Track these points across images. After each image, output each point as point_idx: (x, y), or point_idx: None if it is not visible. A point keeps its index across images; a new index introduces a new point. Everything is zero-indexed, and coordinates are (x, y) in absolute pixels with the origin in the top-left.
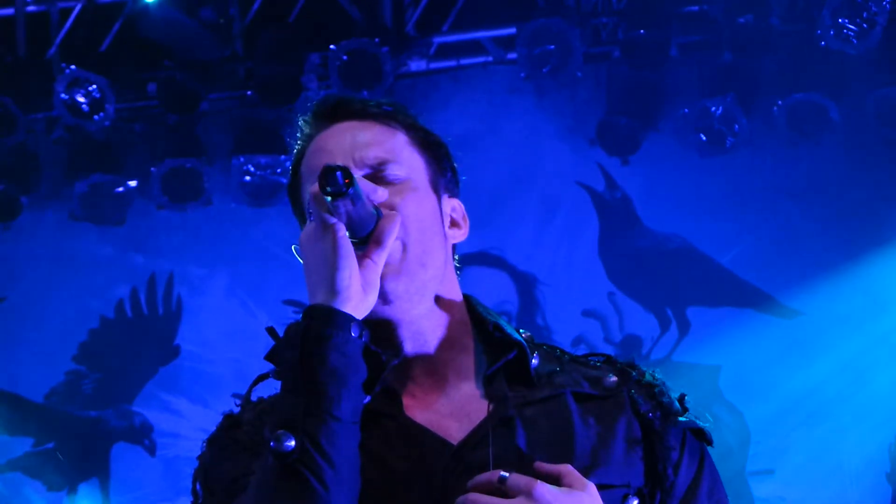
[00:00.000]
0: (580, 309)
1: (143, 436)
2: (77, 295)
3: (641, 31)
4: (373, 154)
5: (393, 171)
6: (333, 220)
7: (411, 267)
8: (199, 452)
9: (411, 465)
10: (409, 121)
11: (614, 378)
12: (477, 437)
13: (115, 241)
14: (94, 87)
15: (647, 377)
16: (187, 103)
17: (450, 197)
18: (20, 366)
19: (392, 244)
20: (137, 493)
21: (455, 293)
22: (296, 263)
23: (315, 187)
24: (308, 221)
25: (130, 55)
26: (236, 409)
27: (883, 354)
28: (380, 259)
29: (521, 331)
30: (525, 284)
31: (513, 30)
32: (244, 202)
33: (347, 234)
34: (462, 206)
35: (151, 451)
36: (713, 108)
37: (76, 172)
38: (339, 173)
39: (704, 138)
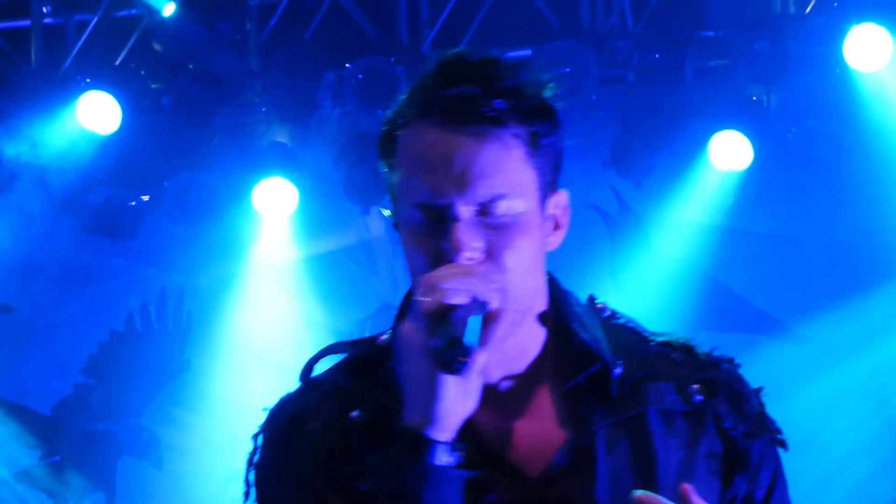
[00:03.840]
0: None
1: (150, 450)
2: (87, 307)
3: (657, 55)
4: (484, 189)
5: (504, 209)
6: (434, 341)
7: (508, 318)
8: (255, 435)
9: (486, 499)
10: (525, 114)
11: (698, 388)
12: (555, 469)
13: (127, 254)
14: (109, 99)
15: (731, 381)
16: (202, 118)
17: (553, 192)
18: (29, 377)
19: (495, 341)
20: None
21: (543, 302)
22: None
23: (432, 344)
24: (411, 319)
25: (146, 69)
26: (295, 394)
27: (893, 382)
28: (481, 360)
29: (596, 304)
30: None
31: (528, 51)
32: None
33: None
34: (565, 195)
35: (158, 465)
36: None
37: (90, 185)
38: (456, 354)
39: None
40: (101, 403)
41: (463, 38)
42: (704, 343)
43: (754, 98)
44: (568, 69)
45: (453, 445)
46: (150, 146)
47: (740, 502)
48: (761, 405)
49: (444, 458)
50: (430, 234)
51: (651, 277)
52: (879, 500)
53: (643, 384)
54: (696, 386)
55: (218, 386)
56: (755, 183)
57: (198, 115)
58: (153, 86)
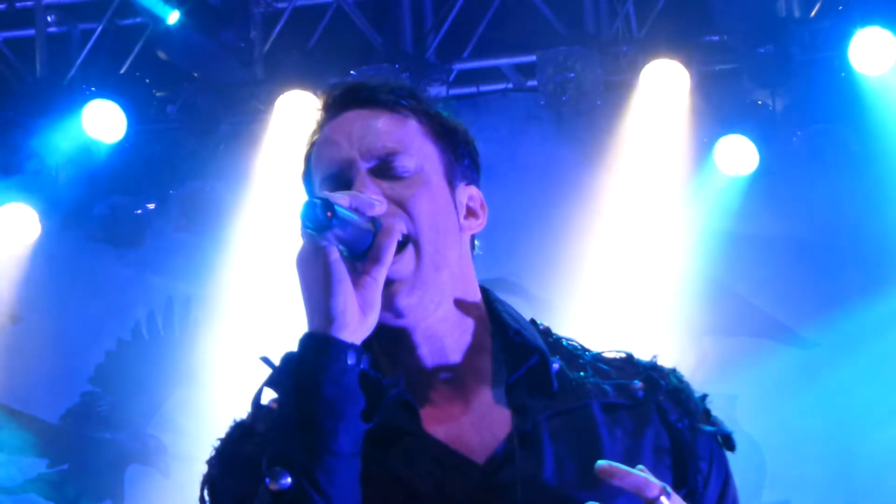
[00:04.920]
0: (597, 336)
1: (157, 458)
2: (94, 316)
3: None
4: (381, 144)
5: (402, 163)
6: (324, 242)
7: (426, 274)
8: (209, 459)
9: (434, 487)
10: (423, 106)
11: (640, 384)
12: (502, 455)
13: (134, 262)
14: (114, 108)
15: (673, 381)
16: (207, 126)
17: (466, 185)
18: (36, 386)
19: (390, 259)
20: None
21: (472, 290)
22: None
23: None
24: (303, 241)
25: (151, 77)
26: (246, 417)
27: None
28: (379, 275)
29: (539, 324)
30: (543, 311)
31: (533, 57)
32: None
33: (343, 253)
34: (480, 193)
35: (165, 473)
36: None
37: (95, 194)
38: (318, 208)
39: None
40: (109, 412)
41: (467, 44)
42: (710, 345)
43: (760, 102)
44: (572, 74)
45: (357, 350)
46: (155, 155)
47: (692, 497)
48: (706, 406)
49: (348, 359)
50: None
51: (656, 281)
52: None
53: (585, 381)
54: (637, 383)
55: (225, 394)
56: (761, 187)
57: (203, 124)
58: (158, 94)
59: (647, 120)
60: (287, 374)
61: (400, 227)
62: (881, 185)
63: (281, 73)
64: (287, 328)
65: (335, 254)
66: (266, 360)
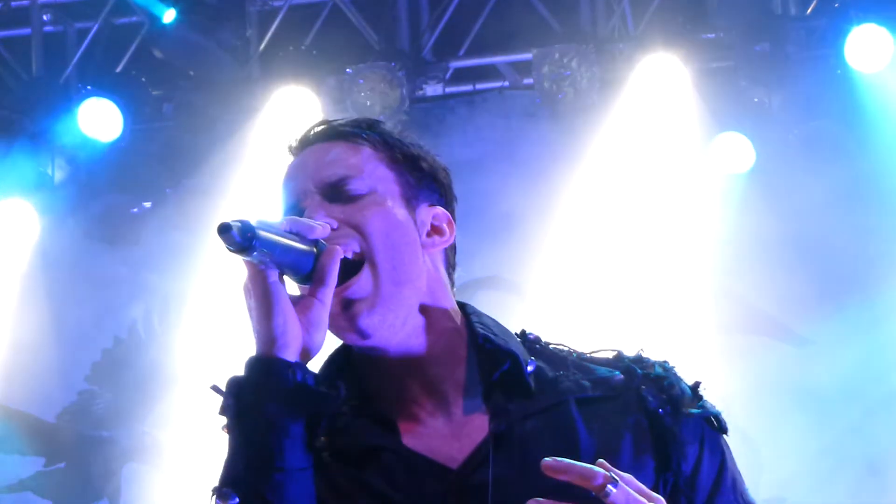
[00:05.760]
0: (594, 333)
1: (154, 456)
2: (91, 314)
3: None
4: (332, 171)
5: (353, 186)
6: (263, 266)
7: (385, 291)
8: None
9: (408, 495)
10: (377, 136)
11: (620, 376)
12: (477, 458)
13: (130, 260)
14: (110, 107)
15: (656, 369)
16: (203, 124)
17: (430, 206)
18: (33, 385)
19: (334, 279)
20: None
21: (445, 301)
22: None
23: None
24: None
25: (147, 76)
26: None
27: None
28: (324, 296)
29: (527, 333)
30: (539, 309)
31: (529, 55)
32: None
33: (285, 276)
34: (447, 212)
35: (162, 471)
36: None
37: (92, 192)
38: (232, 232)
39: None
40: (105, 410)
41: (463, 42)
42: (708, 343)
43: (756, 100)
44: (568, 72)
45: (301, 367)
46: (151, 153)
47: (685, 486)
48: (696, 393)
49: (290, 376)
50: None
51: (653, 279)
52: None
53: (562, 378)
54: (618, 374)
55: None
56: (757, 184)
57: (199, 122)
58: (154, 93)
59: (643, 118)
60: (231, 397)
61: (350, 247)
62: (877, 181)
63: (277, 71)
64: None
65: (273, 276)
66: (216, 389)
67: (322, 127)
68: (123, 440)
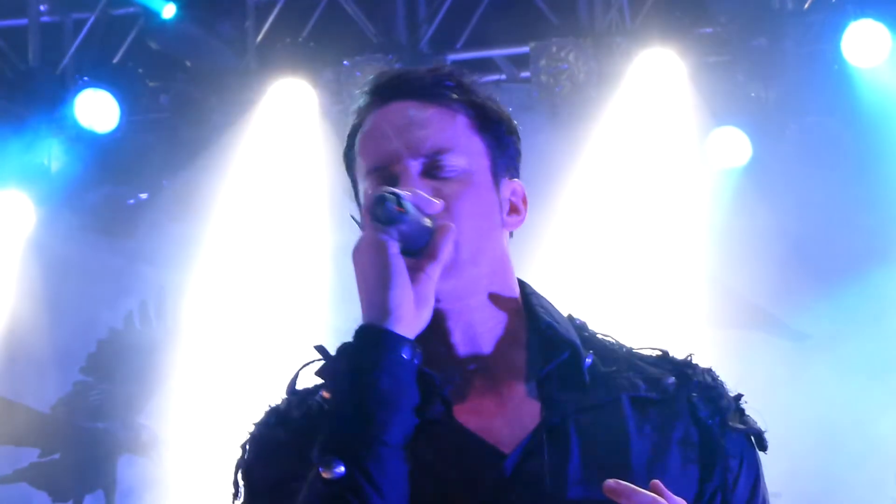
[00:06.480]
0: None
1: (149, 448)
2: (87, 305)
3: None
4: (430, 143)
5: (451, 162)
6: (385, 236)
7: (462, 267)
8: (243, 443)
9: (461, 475)
10: (471, 97)
11: (673, 380)
12: (530, 446)
13: (126, 252)
14: (107, 98)
15: (707, 378)
16: (200, 116)
17: (510, 179)
18: (28, 375)
19: (446, 257)
20: None
21: (510, 285)
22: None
23: (367, 200)
24: (361, 232)
25: (144, 67)
26: (281, 404)
27: (891, 379)
28: (434, 273)
29: (574, 318)
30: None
31: (526, 48)
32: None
33: (400, 248)
34: (522, 186)
35: (158, 462)
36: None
37: (88, 183)
38: (388, 203)
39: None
40: (101, 401)
41: (460, 35)
42: (702, 338)
43: (753, 94)
44: (566, 66)
45: (412, 344)
46: (148, 144)
47: (722, 495)
48: (739, 406)
49: (403, 353)
50: None
51: (648, 273)
52: (880, 501)
53: (616, 374)
54: (671, 379)
55: (217, 384)
56: (753, 179)
57: (196, 114)
58: (151, 84)
59: (640, 112)
60: (343, 365)
61: (454, 226)
62: (874, 177)
63: (274, 63)
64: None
65: (395, 248)
66: (321, 350)
67: (414, 81)
68: (119, 432)
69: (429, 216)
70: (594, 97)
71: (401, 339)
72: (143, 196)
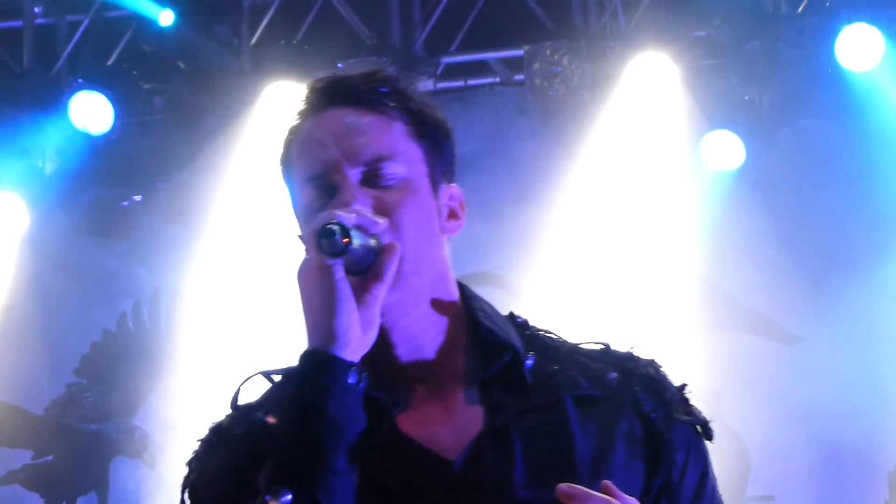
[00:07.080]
0: (583, 329)
1: (142, 450)
2: (80, 307)
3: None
4: (369, 151)
5: (391, 171)
6: (331, 261)
7: (406, 279)
8: (188, 461)
9: (407, 485)
10: (408, 104)
11: (615, 375)
12: (474, 452)
13: (120, 254)
14: (101, 100)
15: (650, 371)
16: (194, 118)
17: (448, 184)
18: (21, 377)
19: (392, 277)
20: None
21: (451, 291)
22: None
23: (313, 228)
24: (307, 255)
25: (138, 69)
26: (224, 420)
27: (884, 381)
28: (380, 293)
29: (516, 317)
30: (528, 304)
31: (520, 51)
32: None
33: (345, 268)
34: (460, 191)
35: (151, 465)
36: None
37: (82, 185)
38: (336, 237)
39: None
40: (94, 403)
41: (454, 38)
42: (695, 340)
43: (746, 98)
44: (560, 69)
45: (358, 369)
46: (142, 146)
47: (671, 493)
48: (684, 396)
49: (350, 379)
50: (321, 207)
51: (642, 276)
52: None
53: (559, 374)
54: (613, 374)
55: (210, 386)
56: (747, 182)
57: (190, 116)
58: (145, 86)
59: (633, 115)
60: (289, 392)
61: (399, 245)
62: (867, 180)
63: (268, 66)
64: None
65: (341, 272)
66: (267, 376)
67: (349, 87)
68: (112, 433)
69: (373, 235)
70: (588, 100)
71: (346, 364)
72: (138, 198)
